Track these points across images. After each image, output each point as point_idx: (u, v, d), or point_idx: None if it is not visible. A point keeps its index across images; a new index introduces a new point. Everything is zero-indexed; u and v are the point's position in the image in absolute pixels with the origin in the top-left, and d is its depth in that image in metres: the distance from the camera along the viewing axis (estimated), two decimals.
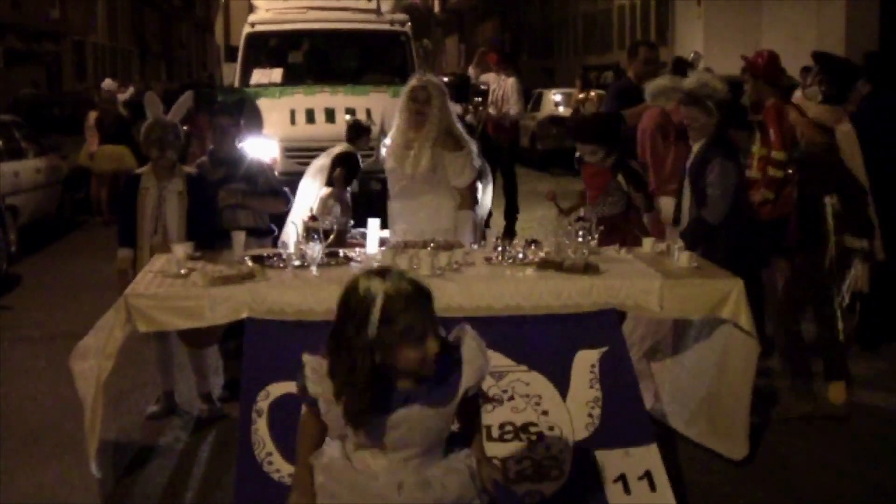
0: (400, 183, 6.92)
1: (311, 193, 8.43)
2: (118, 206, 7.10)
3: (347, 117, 11.83)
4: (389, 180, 7.05)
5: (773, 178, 8.03)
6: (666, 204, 7.59)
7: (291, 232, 6.29)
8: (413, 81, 6.91)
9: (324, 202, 8.16)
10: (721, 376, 6.04)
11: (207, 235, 6.63)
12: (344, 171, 8.46)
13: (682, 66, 10.55)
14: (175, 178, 6.80)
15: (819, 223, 6.90)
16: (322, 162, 8.66)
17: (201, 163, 7.44)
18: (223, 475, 5.83)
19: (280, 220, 7.71)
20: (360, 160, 9.07)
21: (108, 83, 18.12)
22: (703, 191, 6.66)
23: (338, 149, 8.67)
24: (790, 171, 7.75)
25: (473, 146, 7.04)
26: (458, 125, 7.05)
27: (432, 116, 6.77)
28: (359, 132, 10.02)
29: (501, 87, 14.08)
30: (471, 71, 15.55)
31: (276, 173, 8.43)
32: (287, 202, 7.46)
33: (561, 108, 24.03)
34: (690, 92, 6.79)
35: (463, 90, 12.87)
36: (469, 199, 7.00)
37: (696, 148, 6.85)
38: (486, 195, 7.11)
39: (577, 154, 7.55)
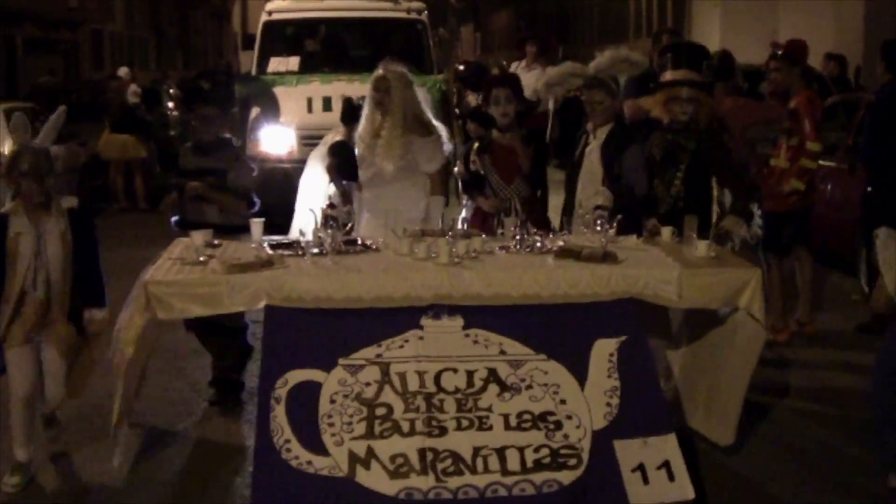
0: (370, 170, 6.94)
1: (316, 181, 8.29)
2: None
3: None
4: (360, 169, 7.03)
5: (806, 169, 8.01)
6: None
7: (309, 220, 6.25)
8: (377, 70, 6.97)
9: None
10: (722, 363, 6.02)
11: (96, 283, 5.87)
12: (335, 161, 8.18)
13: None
14: (54, 217, 5.67)
15: None
16: (322, 151, 8.53)
17: (183, 150, 7.26)
18: (241, 462, 5.85)
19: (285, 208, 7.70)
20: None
21: (123, 71, 18.13)
22: (617, 174, 6.59)
23: (332, 136, 8.38)
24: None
25: (443, 132, 7.07)
26: (427, 111, 7.07)
27: (393, 106, 6.84)
28: (353, 113, 9.47)
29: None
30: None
31: (291, 161, 8.32)
32: (250, 206, 6.88)
33: None
34: (595, 74, 6.74)
35: (478, 79, 12.80)
36: (439, 184, 7.05)
37: (600, 132, 6.76)
38: None
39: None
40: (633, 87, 9.25)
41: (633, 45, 35.47)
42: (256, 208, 6.87)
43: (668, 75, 6.85)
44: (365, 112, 7.04)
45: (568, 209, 6.91)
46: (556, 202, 7.35)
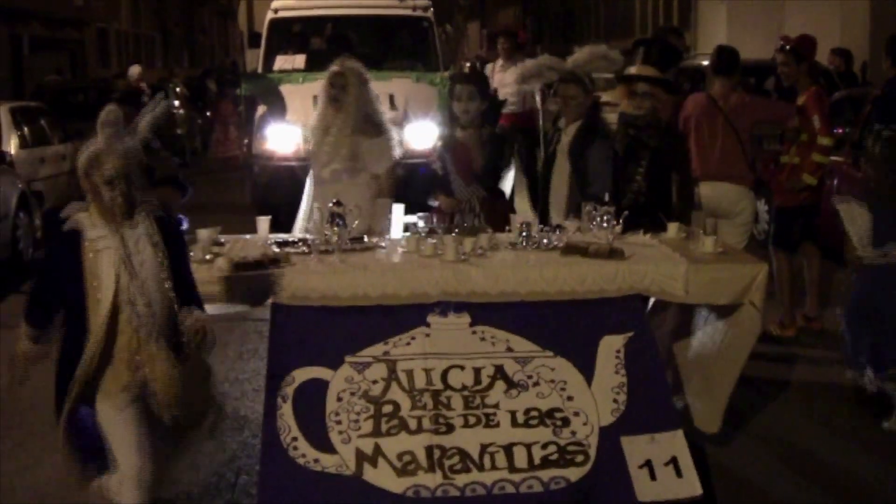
0: (318, 167, 6.89)
1: None
2: (35, 273, 4.74)
3: None
4: (311, 164, 6.99)
5: (818, 164, 8.01)
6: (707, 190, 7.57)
7: (316, 217, 6.24)
8: (334, 66, 6.87)
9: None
10: (719, 351, 6.01)
11: (192, 294, 4.70)
12: None
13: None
14: (141, 225, 4.54)
15: None
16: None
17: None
18: (248, 460, 5.85)
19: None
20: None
21: (135, 70, 18.12)
22: (583, 170, 6.60)
23: None
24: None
25: (394, 133, 7.00)
26: (381, 110, 7.01)
27: (348, 104, 6.76)
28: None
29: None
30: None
31: (297, 159, 8.24)
32: (184, 193, 6.66)
33: None
34: (573, 69, 6.74)
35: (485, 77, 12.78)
36: (387, 185, 6.95)
37: (571, 128, 6.77)
38: (506, 182, 7.06)
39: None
40: None
41: None
42: (189, 194, 6.76)
43: (631, 70, 6.93)
44: (318, 107, 6.95)
45: (543, 205, 6.89)
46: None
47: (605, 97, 9.36)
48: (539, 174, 6.99)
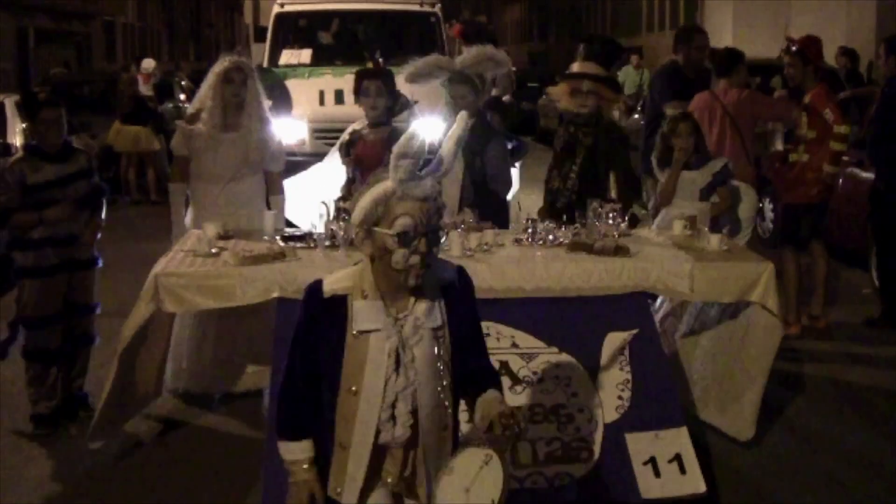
0: (206, 167, 6.68)
1: (332, 173, 8.27)
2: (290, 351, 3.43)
3: None
4: (195, 162, 6.72)
5: (837, 152, 8.05)
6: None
7: (322, 212, 6.21)
8: (225, 63, 6.73)
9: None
10: (737, 356, 6.02)
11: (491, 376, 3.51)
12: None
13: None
14: (426, 299, 3.34)
15: None
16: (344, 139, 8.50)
17: (13, 164, 6.11)
18: (251, 455, 5.85)
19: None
20: None
21: (149, 63, 18.08)
22: (481, 169, 6.55)
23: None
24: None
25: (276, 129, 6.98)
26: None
27: (251, 98, 6.71)
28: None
29: None
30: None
31: (303, 154, 8.23)
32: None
33: None
34: (462, 69, 6.73)
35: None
36: (279, 183, 6.93)
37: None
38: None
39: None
40: (661, 84, 9.22)
41: (647, 39, 35.45)
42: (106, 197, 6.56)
43: (574, 67, 6.94)
44: (209, 105, 6.70)
45: None
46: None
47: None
48: None
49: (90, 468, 5.80)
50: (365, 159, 6.67)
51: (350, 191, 6.73)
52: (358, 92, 6.78)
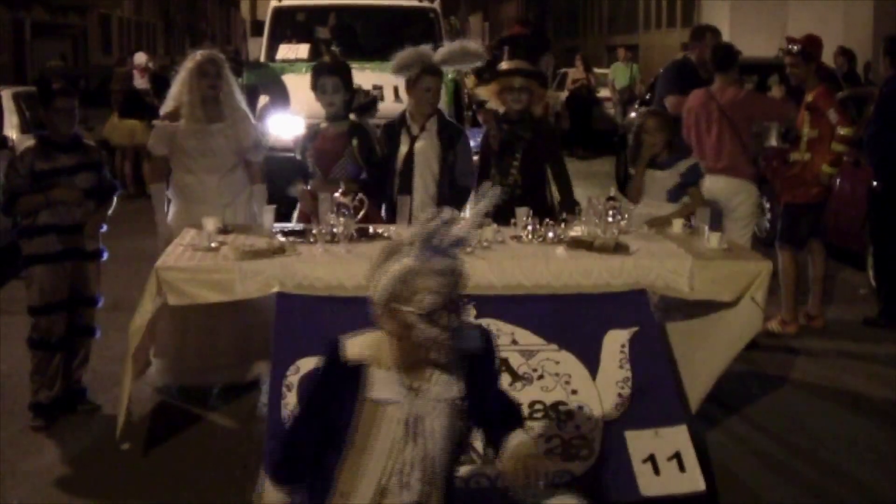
0: (199, 160, 6.65)
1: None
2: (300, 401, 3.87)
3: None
4: (183, 158, 6.69)
5: (838, 154, 8.07)
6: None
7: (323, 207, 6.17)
8: (197, 57, 6.71)
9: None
10: (713, 340, 5.98)
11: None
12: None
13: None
14: (446, 373, 3.33)
15: None
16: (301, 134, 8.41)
17: (24, 153, 6.28)
18: (252, 450, 5.84)
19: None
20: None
21: (141, 57, 18.07)
22: (452, 165, 6.70)
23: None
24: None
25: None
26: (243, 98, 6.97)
27: (228, 91, 6.71)
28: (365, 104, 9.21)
29: None
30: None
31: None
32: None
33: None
34: (439, 61, 6.81)
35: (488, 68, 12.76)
36: (260, 173, 6.92)
37: (430, 123, 6.79)
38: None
39: None
40: (669, 80, 9.22)
41: (644, 37, 35.48)
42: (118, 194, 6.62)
43: (503, 65, 7.02)
44: (186, 100, 6.68)
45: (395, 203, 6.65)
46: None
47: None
48: (399, 174, 6.82)
49: (87, 462, 5.79)
50: (325, 153, 6.69)
51: (308, 184, 6.77)
52: (315, 88, 6.76)
